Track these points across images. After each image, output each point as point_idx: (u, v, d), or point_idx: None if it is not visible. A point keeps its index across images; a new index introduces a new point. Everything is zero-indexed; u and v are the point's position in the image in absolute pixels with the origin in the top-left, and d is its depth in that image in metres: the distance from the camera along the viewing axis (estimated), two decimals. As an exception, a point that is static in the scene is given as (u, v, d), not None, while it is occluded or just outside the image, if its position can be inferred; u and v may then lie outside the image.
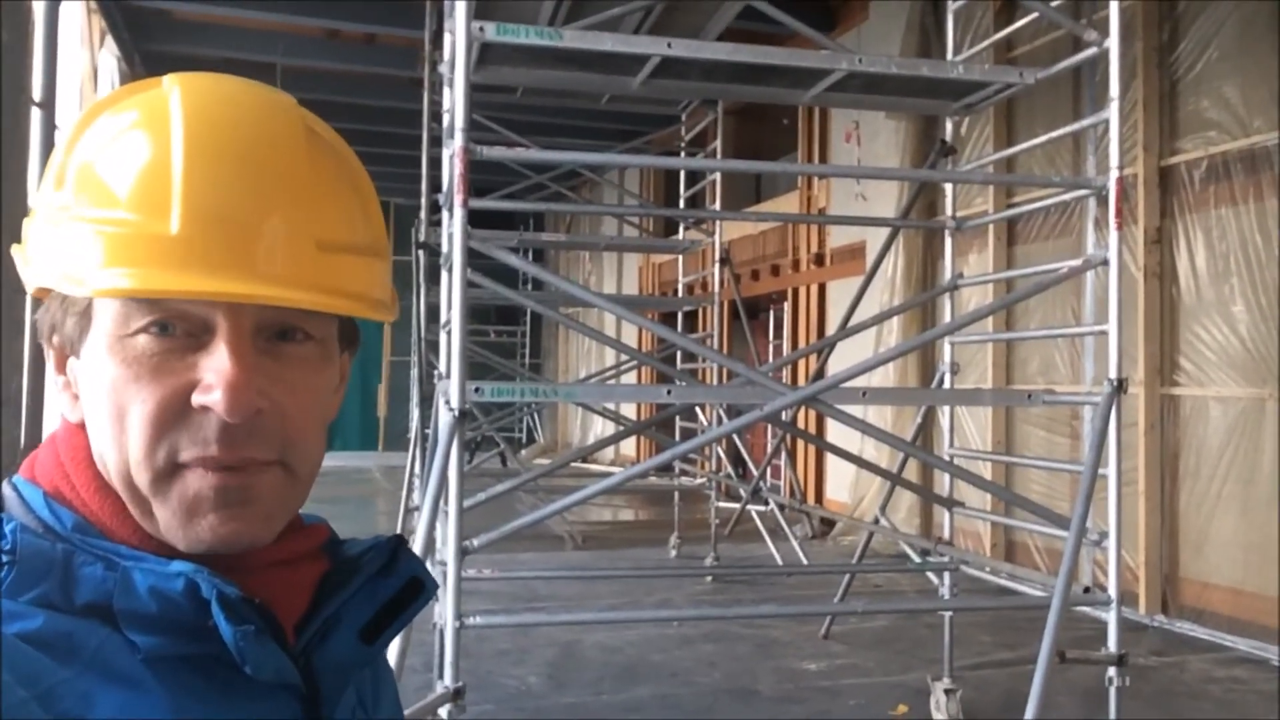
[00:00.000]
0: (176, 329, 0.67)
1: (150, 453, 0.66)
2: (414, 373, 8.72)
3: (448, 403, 3.49)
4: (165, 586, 0.65)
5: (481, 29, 3.48)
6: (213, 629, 0.65)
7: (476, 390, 3.49)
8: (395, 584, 0.76)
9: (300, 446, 0.70)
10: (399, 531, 0.79)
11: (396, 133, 11.25)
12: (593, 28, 4.01)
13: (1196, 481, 6.20)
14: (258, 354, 0.68)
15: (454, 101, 3.62)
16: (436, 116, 6.73)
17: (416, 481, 7.61)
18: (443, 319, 4.84)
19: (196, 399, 0.66)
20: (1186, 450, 6.29)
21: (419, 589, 0.78)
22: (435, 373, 6.40)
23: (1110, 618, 3.76)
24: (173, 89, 0.70)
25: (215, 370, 0.66)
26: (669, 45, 3.76)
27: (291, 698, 0.70)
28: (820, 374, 6.81)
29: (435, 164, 6.61)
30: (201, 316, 0.67)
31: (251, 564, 0.71)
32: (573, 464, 11.60)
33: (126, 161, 0.67)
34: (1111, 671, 3.62)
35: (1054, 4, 4.15)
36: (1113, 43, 3.68)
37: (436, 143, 6.48)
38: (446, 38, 4.19)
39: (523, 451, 17.31)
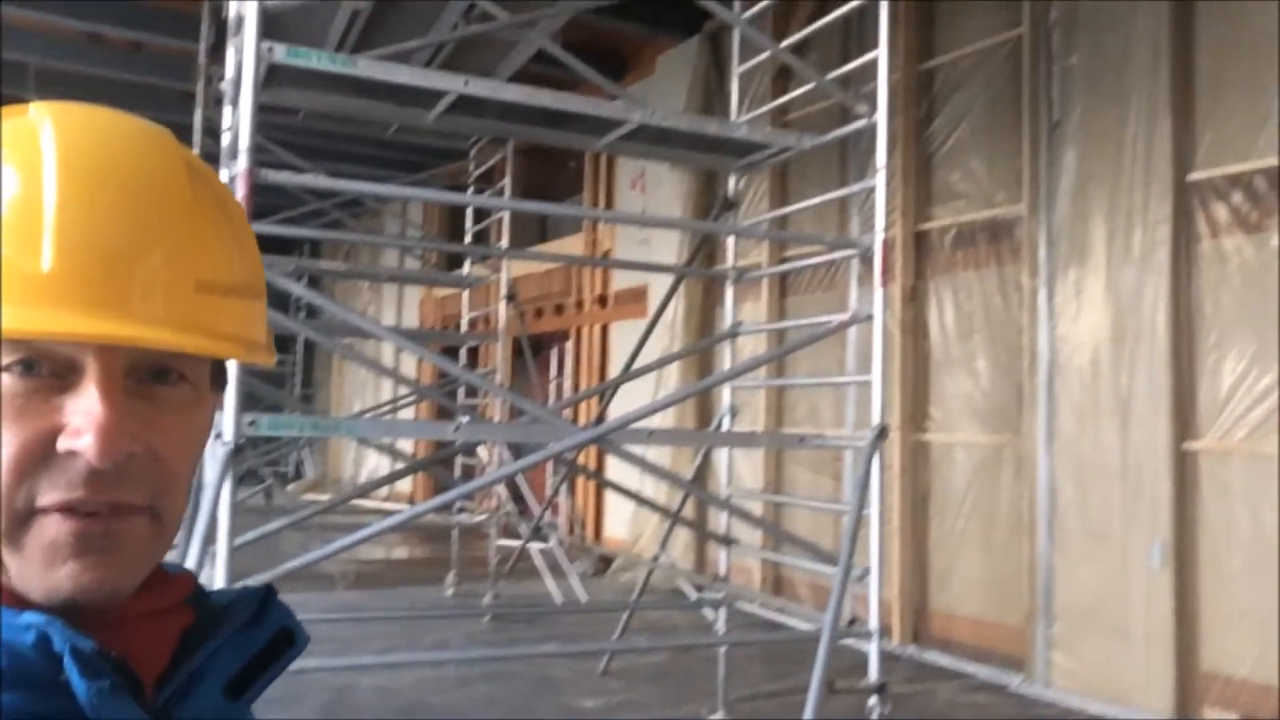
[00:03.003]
0: (42, 368, 0.63)
1: (8, 498, 0.62)
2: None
3: (220, 436, 3.32)
4: (15, 640, 0.61)
5: (271, 49, 3.37)
6: (66, 685, 0.61)
7: (252, 423, 3.34)
8: (264, 635, 0.74)
9: (171, 492, 0.68)
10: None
11: (163, 148, 10.58)
12: (385, 58, 3.96)
13: (944, 520, 6.72)
14: (129, 396, 0.65)
15: (237, 122, 3.47)
16: (210, 132, 6.41)
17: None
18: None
19: (63, 443, 0.62)
20: (935, 492, 6.80)
21: (290, 640, 0.75)
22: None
23: (872, 649, 4.01)
24: (43, 119, 0.66)
25: (84, 413, 0.62)
26: (466, 83, 3.77)
27: None
28: (602, 414, 6.92)
29: (209, 184, 6.26)
30: (69, 356, 0.63)
31: (110, 616, 0.67)
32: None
33: None
34: (873, 700, 3.86)
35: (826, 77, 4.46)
36: (881, 117, 4.00)
37: (210, 160, 6.16)
38: (229, 54, 4.01)
39: (290, 486, 16.53)
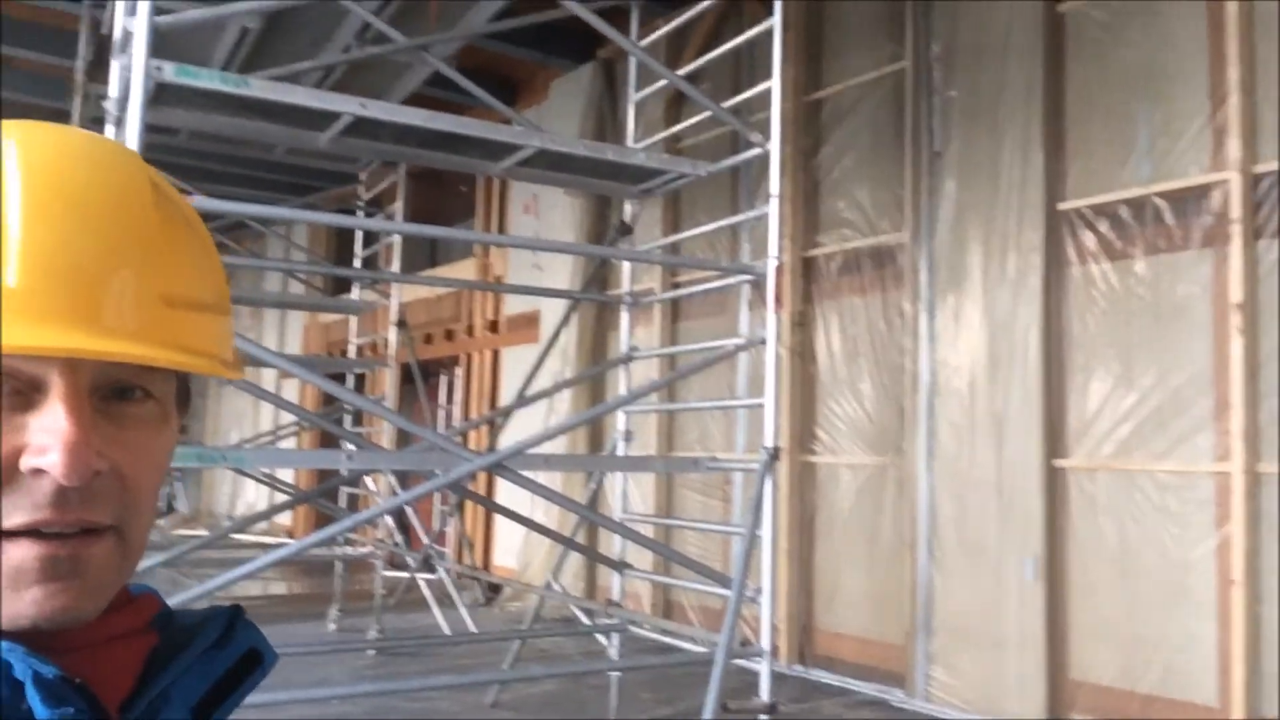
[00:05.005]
0: (3, 386, 0.61)
1: None
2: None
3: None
4: None
5: (160, 68, 3.28)
6: (29, 713, 0.59)
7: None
8: (231, 656, 0.73)
9: (137, 511, 0.66)
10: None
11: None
12: (274, 78, 3.89)
13: (829, 540, 6.88)
14: (94, 414, 0.63)
15: (122, 142, 3.36)
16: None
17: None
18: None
19: (28, 462, 0.60)
20: (821, 512, 6.96)
21: (257, 661, 0.74)
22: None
23: (763, 669, 4.07)
24: (8, 140, 0.65)
25: (50, 430, 0.61)
26: (363, 105, 3.73)
27: None
28: (494, 440, 6.86)
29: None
30: (32, 374, 0.61)
31: (74, 641, 0.65)
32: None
33: None
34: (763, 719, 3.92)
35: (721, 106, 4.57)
36: (774, 145, 4.12)
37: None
38: (113, 71, 3.88)
39: (162, 521, 15.86)
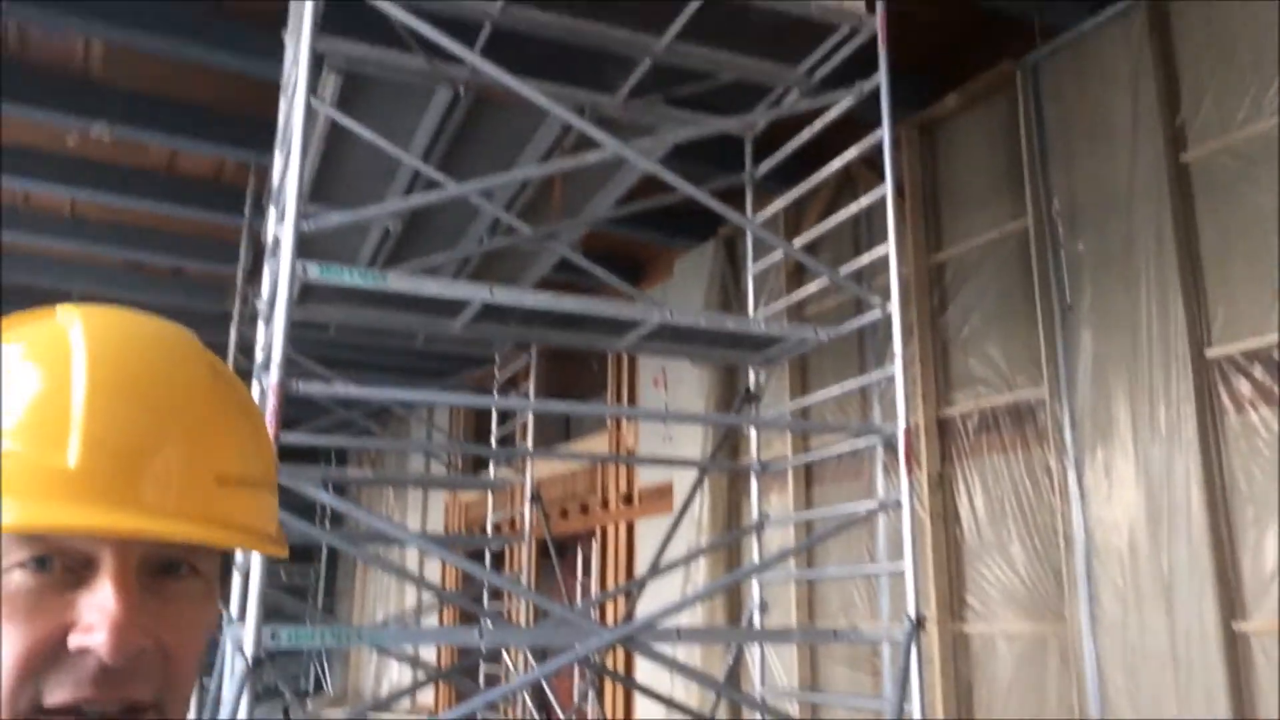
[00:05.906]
0: (55, 564, 0.63)
1: (11, 700, 0.61)
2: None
3: (240, 650, 3.27)
4: None
5: (304, 269, 3.53)
6: None
7: (273, 636, 3.29)
8: None
9: (177, 686, 0.67)
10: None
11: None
12: (417, 270, 4.13)
13: (989, 715, 6.41)
14: (142, 591, 0.65)
15: (271, 338, 3.59)
16: (245, 350, 6.62)
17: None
18: (238, 559, 4.58)
19: (76, 640, 0.62)
20: (979, 685, 6.52)
21: None
22: (222, 615, 5.96)
23: None
24: (73, 323, 0.69)
25: (99, 609, 0.63)
26: (491, 292, 3.91)
27: None
28: (630, 613, 6.76)
29: (240, 397, 6.40)
30: (84, 551, 0.64)
31: None
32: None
33: (21, 393, 0.64)
34: None
35: (839, 271, 4.61)
36: (894, 308, 4.10)
37: (244, 377, 6.32)
38: (265, 274, 4.20)
39: (309, 702, 16.04)
